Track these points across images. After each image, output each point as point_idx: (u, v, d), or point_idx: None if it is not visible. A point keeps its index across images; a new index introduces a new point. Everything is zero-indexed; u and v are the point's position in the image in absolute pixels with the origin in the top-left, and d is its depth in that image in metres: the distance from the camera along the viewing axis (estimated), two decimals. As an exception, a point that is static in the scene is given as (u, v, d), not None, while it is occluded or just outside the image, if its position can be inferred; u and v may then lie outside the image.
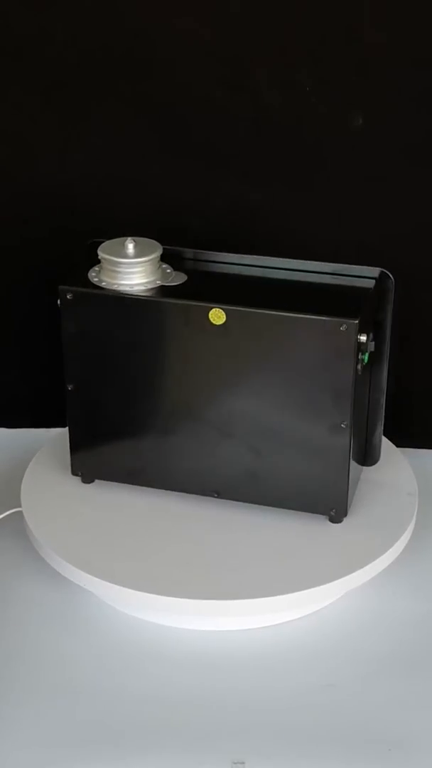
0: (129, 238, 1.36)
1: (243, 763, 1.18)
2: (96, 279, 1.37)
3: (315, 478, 1.37)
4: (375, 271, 1.39)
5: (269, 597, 1.29)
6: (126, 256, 1.35)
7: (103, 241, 1.39)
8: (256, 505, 1.42)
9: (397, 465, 1.52)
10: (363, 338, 1.30)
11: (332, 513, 1.39)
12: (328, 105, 1.52)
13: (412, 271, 1.62)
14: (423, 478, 1.53)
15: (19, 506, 1.45)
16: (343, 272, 1.40)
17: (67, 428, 1.45)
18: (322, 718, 1.24)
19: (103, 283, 1.36)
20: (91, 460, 1.46)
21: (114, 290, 1.35)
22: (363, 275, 1.40)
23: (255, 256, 1.43)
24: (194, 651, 1.33)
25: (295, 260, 1.42)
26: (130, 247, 1.36)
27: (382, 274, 1.39)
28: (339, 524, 1.40)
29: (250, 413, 1.36)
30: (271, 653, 1.34)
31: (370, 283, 1.38)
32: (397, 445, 1.57)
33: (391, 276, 1.39)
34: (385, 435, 1.57)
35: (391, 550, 1.37)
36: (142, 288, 1.35)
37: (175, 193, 1.58)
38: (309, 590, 1.30)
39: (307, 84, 1.51)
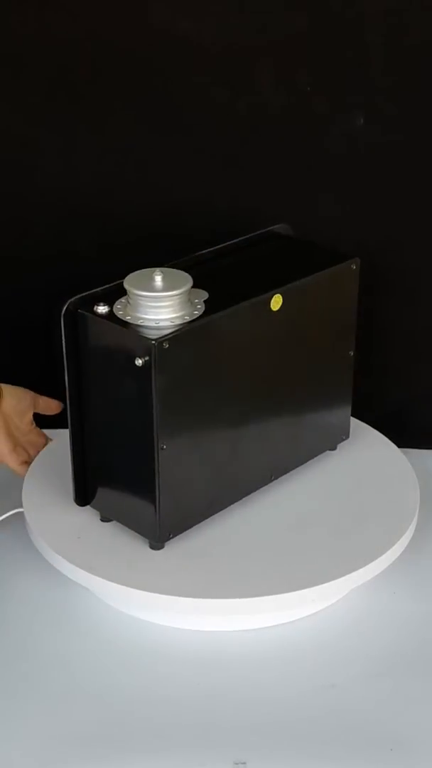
0: (156, 270, 1.27)
1: (245, 763, 1.18)
2: (128, 318, 1.26)
3: (327, 413, 1.49)
4: (283, 228, 1.50)
5: (269, 596, 1.29)
6: (167, 288, 1.25)
7: (74, 298, 1.29)
8: (254, 500, 1.42)
9: (397, 465, 1.52)
10: None
11: (343, 438, 1.52)
12: (328, 105, 1.52)
13: (413, 271, 1.63)
14: (423, 478, 1.53)
15: (21, 507, 1.45)
16: (260, 238, 1.48)
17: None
18: (324, 719, 1.24)
19: (142, 320, 1.26)
20: (177, 518, 1.34)
21: (199, 318, 1.26)
22: (272, 234, 1.49)
23: (194, 255, 1.41)
24: (195, 651, 1.33)
25: (222, 245, 1.44)
26: (158, 279, 1.26)
27: (284, 227, 1.50)
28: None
29: (293, 382, 1.41)
30: (272, 653, 1.33)
31: (288, 237, 1.50)
32: (398, 445, 1.56)
33: (288, 225, 1.50)
34: (386, 435, 1.58)
35: (392, 550, 1.37)
36: (198, 312, 1.27)
37: (175, 193, 1.59)
38: (309, 590, 1.30)
39: (307, 84, 1.51)
